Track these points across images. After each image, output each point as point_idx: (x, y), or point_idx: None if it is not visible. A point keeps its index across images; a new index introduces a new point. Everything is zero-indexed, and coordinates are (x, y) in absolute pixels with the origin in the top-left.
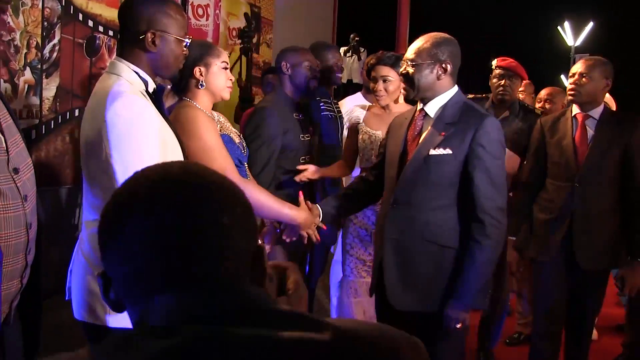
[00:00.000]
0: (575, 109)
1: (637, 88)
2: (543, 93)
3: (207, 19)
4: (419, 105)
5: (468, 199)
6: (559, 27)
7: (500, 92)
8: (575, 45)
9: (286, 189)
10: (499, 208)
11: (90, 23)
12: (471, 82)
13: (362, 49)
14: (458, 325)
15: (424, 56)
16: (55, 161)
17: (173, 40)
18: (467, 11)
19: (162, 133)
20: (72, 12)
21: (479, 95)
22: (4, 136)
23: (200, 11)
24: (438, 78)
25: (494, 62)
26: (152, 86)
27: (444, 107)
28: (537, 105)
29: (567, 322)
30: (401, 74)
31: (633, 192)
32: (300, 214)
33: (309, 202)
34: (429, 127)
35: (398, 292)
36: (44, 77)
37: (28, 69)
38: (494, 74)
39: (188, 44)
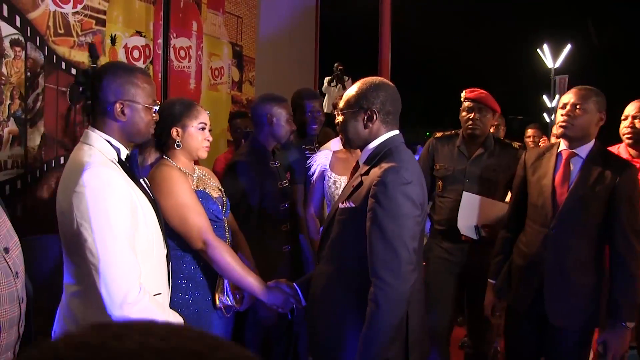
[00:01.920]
0: (562, 145)
1: (615, 108)
2: (530, 132)
3: (189, 61)
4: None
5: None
6: (538, 50)
7: (470, 127)
8: (555, 67)
9: (271, 239)
10: (391, 270)
11: (73, 71)
12: (455, 114)
13: (346, 78)
14: None
15: (349, 105)
16: (41, 210)
17: (141, 109)
18: (448, 37)
19: (133, 199)
20: (54, 61)
21: (448, 132)
22: None
23: (182, 53)
24: (365, 126)
25: (463, 94)
26: (124, 153)
27: (368, 156)
28: (528, 140)
29: None
30: (336, 124)
31: (617, 244)
32: (263, 290)
33: (284, 282)
34: (353, 178)
35: None
36: (28, 126)
37: (12, 119)
38: (462, 106)
39: (157, 110)
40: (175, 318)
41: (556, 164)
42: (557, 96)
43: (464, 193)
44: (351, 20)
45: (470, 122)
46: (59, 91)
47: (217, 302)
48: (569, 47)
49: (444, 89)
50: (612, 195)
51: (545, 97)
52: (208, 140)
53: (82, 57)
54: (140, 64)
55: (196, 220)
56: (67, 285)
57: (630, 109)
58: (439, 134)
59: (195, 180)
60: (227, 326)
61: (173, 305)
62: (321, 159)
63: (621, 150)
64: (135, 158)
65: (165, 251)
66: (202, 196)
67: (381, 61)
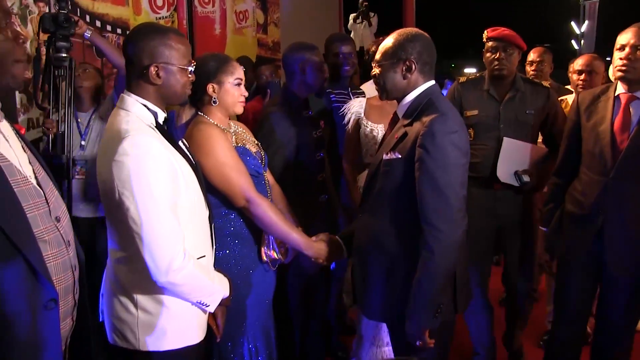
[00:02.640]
0: (620, 88)
1: None
2: (581, 62)
3: (213, 5)
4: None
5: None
6: None
7: (497, 67)
8: None
9: (306, 193)
10: (444, 217)
11: (98, 23)
12: (479, 45)
13: (372, 14)
14: (418, 344)
15: (387, 56)
16: None
17: (177, 70)
18: None
19: (173, 165)
20: (79, 14)
21: (472, 76)
22: (42, 189)
23: None
24: (404, 77)
25: (485, 34)
26: (162, 116)
27: (408, 107)
28: (574, 77)
29: (597, 318)
30: (372, 75)
31: None
32: (308, 244)
33: (327, 236)
34: (394, 129)
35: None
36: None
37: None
38: (486, 47)
39: (193, 71)
40: (221, 280)
41: (614, 109)
42: (586, 21)
43: (505, 139)
44: None
45: (497, 63)
46: (84, 44)
47: (264, 256)
48: None
49: (466, 19)
50: None
51: (573, 24)
52: (244, 95)
53: (105, 8)
54: (164, 12)
55: (238, 179)
56: (112, 250)
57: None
58: (462, 79)
59: (233, 136)
60: (272, 278)
61: (219, 262)
62: (355, 107)
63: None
64: (173, 121)
65: (208, 212)
66: (242, 152)
67: None
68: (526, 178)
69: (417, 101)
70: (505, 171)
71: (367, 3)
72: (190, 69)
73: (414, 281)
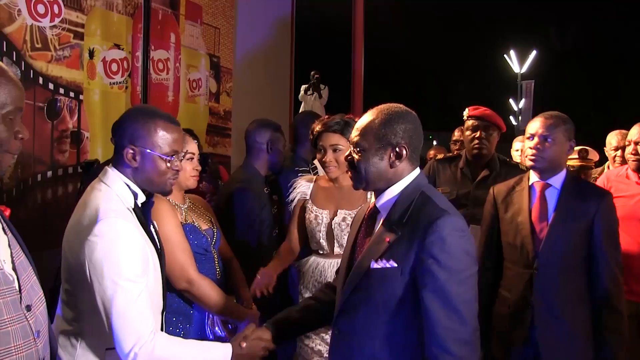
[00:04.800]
0: (533, 176)
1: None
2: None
3: (167, 73)
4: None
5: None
6: (505, 56)
7: (476, 146)
8: (521, 72)
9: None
10: (460, 340)
11: (51, 86)
12: (429, 122)
13: (322, 86)
14: None
15: (371, 139)
16: (19, 229)
17: (156, 158)
18: (417, 44)
19: (145, 250)
20: (32, 76)
21: (450, 154)
22: (17, 274)
23: (160, 65)
24: (391, 166)
25: (466, 112)
26: (141, 198)
27: (396, 201)
28: (518, 158)
29: None
30: (346, 159)
31: (598, 282)
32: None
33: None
34: (377, 229)
35: None
36: None
37: None
38: (466, 125)
39: (171, 159)
40: (193, 346)
41: (530, 198)
42: (523, 100)
43: (471, 226)
44: (326, 30)
45: (477, 142)
46: (36, 107)
47: (208, 334)
48: (534, 52)
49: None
50: (592, 225)
51: (511, 101)
52: (197, 169)
53: (59, 71)
54: (118, 78)
55: (180, 258)
56: (61, 319)
57: (633, 134)
58: (440, 156)
59: (184, 213)
60: None
61: None
62: (302, 187)
63: (630, 174)
64: (151, 206)
65: (162, 302)
66: (190, 230)
67: (354, 68)
68: None
69: (407, 195)
70: None
71: (318, 75)
72: (171, 158)
73: None
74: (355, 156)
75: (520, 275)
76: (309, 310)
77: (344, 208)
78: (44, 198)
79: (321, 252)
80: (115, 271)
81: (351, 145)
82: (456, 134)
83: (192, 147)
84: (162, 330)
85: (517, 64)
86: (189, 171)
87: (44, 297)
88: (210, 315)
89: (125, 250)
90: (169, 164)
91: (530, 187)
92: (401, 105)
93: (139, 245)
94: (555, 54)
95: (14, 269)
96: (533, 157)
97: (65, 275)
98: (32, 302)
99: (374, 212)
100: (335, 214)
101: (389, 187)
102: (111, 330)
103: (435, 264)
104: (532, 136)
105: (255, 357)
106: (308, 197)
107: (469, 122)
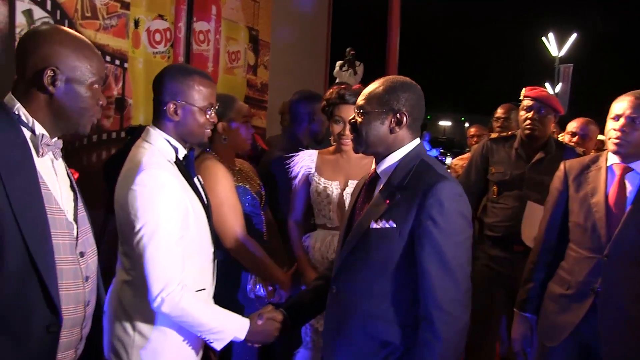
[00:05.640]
0: (612, 158)
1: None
2: (575, 125)
3: (207, 44)
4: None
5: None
6: (543, 38)
7: (528, 127)
8: (560, 55)
9: None
10: (454, 300)
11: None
12: (461, 104)
13: (358, 63)
14: None
15: (374, 103)
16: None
17: (195, 111)
18: (453, 25)
19: (184, 201)
20: None
21: (505, 134)
22: (76, 225)
23: (201, 37)
24: (391, 131)
25: (522, 92)
26: (182, 153)
27: (396, 167)
28: (566, 138)
29: None
30: (349, 123)
31: None
32: (286, 285)
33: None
34: (377, 193)
35: None
36: None
37: None
38: (521, 105)
39: (211, 113)
40: (230, 321)
41: (607, 180)
42: (559, 84)
43: (529, 202)
44: (363, 7)
45: (529, 122)
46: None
47: (250, 293)
48: (574, 35)
49: (446, 73)
50: None
51: (548, 85)
52: (250, 133)
53: (106, 39)
54: (161, 47)
55: (232, 221)
56: (120, 271)
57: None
58: (494, 135)
59: (236, 175)
60: None
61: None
62: (305, 161)
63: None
64: (192, 158)
65: (213, 249)
66: (242, 192)
67: (389, 47)
68: None
69: (407, 162)
70: (530, 236)
71: (353, 52)
72: (210, 111)
73: None
74: (358, 119)
75: (586, 260)
76: (317, 291)
77: (354, 178)
78: (89, 161)
79: (329, 226)
80: (152, 218)
81: (356, 109)
82: (499, 111)
83: (244, 112)
84: (213, 279)
85: (555, 47)
86: (245, 135)
87: (96, 251)
88: (252, 276)
89: (163, 200)
90: (208, 116)
91: (608, 168)
92: (406, 77)
93: (178, 196)
94: (596, 38)
95: (75, 220)
96: (617, 141)
97: (119, 227)
98: (86, 251)
99: (374, 177)
100: (346, 185)
101: (389, 153)
102: (144, 276)
103: (433, 225)
104: (617, 117)
105: (269, 336)
106: (313, 171)
107: (524, 102)
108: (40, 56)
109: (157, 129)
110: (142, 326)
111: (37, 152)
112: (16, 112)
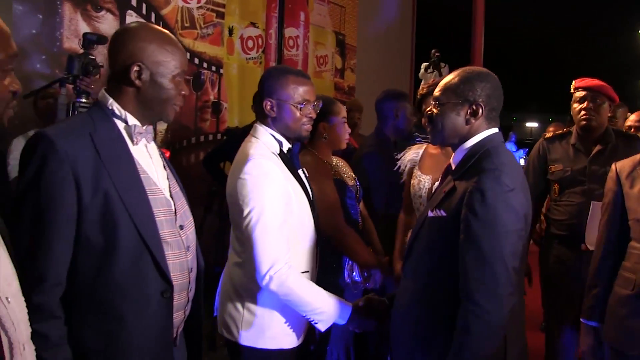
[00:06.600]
0: None
1: None
2: (633, 118)
3: (297, 49)
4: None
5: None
6: (639, 32)
7: (584, 117)
8: None
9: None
10: (487, 292)
11: (196, 60)
12: (548, 105)
13: (443, 65)
14: None
15: (450, 95)
16: None
17: (289, 107)
18: (539, 23)
19: (288, 189)
20: None
21: (559, 131)
22: (173, 201)
23: (291, 42)
24: (467, 122)
25: (572, 84)
26: (286, 146)
27: (463, 157)
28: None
29: None
30: (426, 114)
31: None
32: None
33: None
34: (443, 182)
35: None
36: None
37: None
38: (573, 98)
39: (302, 107)
40: (332, 305)
41: None
42: None
43: (593, 203)
44: (447, 8)
45: (584, 113)
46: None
47: (347, 279)
48: None
49: (533, 74)
50: None
51: None
52: (349, 132)
53: (204, 47)
54: (253, 53)
55: (332, 212)
56: (231, 254)
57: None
58: (548, 134)
59: (334, 170)
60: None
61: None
62: (411, 155)
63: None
64: (296, 151)
65: (316, 236)
66: (340, 185)
67: (474, 48)
68: None
69: (473, 150)
70: (594, 239)
71: (438, 54)
72: (302, 106)
73: None
74: (435, 110)
75: None
76: None
77: None
78: (188, 161)
79: None
80: (259, 203)
81: (432, 100)
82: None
83: (344, 112)
84: (316, 264)
85: None
86: (344, 135)
87: (193, 222)
88: (350, 262)
89: (268, 186)
90: (301, 112)
91: None
92: (482, 68)
93: (282, 183)
94: None
95: (171, 196)
96: None
97: (232, 215)
98: (185, 224)
99: (449, 168)
100: (437, 179)
101: (462, 143)
102: (253, 257)
103: (472, 215)
104: None
105: (369, 323)
106: (417, 164)
107: (576, 94)
108: (127, 53)
109: (262, 125)
110: (250, 304)
111: (132, 140)
112: (110, 107)
